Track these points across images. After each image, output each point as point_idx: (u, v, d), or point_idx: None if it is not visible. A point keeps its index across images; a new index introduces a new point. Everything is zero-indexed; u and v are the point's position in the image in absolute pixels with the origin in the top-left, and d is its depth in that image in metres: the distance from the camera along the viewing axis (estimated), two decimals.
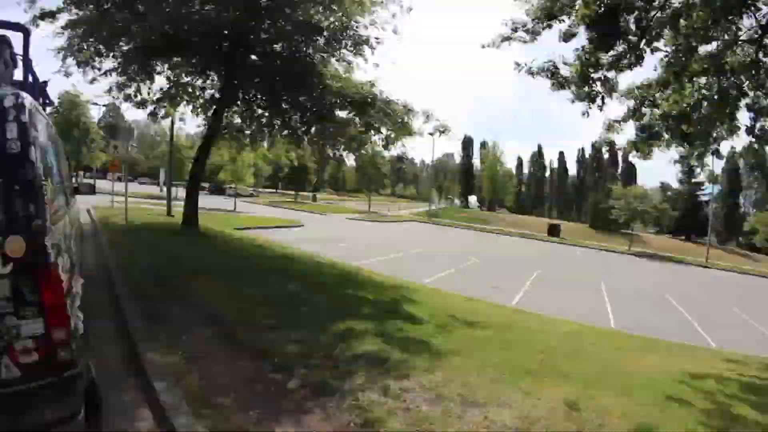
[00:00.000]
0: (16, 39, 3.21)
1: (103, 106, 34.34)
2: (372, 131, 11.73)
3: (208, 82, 12.55)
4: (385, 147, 12.46)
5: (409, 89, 32.14)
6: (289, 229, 20.99)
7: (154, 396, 2.86)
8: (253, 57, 11.45)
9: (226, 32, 10.32)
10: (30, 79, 3.75)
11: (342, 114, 11.69)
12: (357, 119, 11.63)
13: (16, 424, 1.91)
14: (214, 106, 12.25)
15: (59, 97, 43.66)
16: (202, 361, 3.33)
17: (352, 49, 11.42)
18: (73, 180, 5.48)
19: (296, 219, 26.00)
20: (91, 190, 5.65)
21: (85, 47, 10.28)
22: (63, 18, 10.03)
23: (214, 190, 45.85)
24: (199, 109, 13.06)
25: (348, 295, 6.21)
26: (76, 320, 2.19)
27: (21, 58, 3.51)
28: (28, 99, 2.08)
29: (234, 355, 3.52)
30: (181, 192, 16.64)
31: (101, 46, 10.28)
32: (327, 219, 31.83)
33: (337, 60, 11.87)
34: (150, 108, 12.02)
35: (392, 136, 11.78)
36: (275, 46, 11.16)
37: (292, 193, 56.31)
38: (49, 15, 9.77)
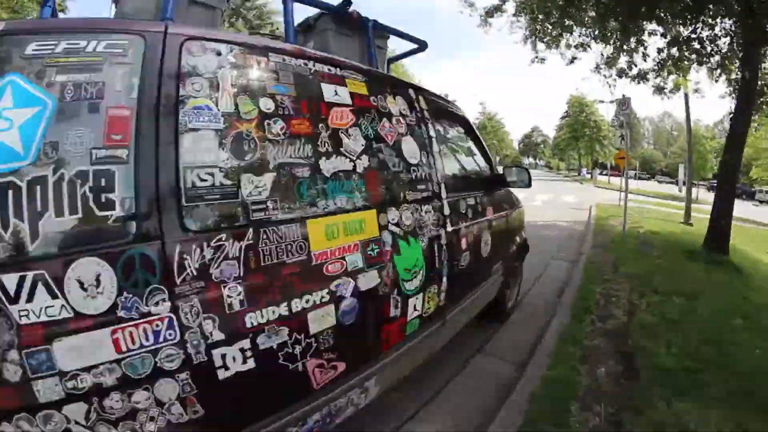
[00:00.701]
0: None
1: (610, 102, 34.26)
2: None
3: (719, 29, 7.99)
4: None
5: None
6: None
7: None
8: None
9: None
10: None
11: None
12: None
13: None
14: (737, 58, 7.62)
15: (567, 102, 48.23)
16: None
17: None
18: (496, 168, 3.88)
19: None
20: (524, 180, 3.79)
21: (549, 27, 8.99)
22: (510, 6, 9.31)
23: (742, 193, 34.59)
24: (718, 70, 8.56)
25: None
26: None
27: None
28: None
29: None
30: (702, 193, 12.46)
31: (566, 21, 8.68)
32: None
33: None
34: (652, 81, 9.10)
35: None
36: None
37: None
38: (495, 10, 9.29)
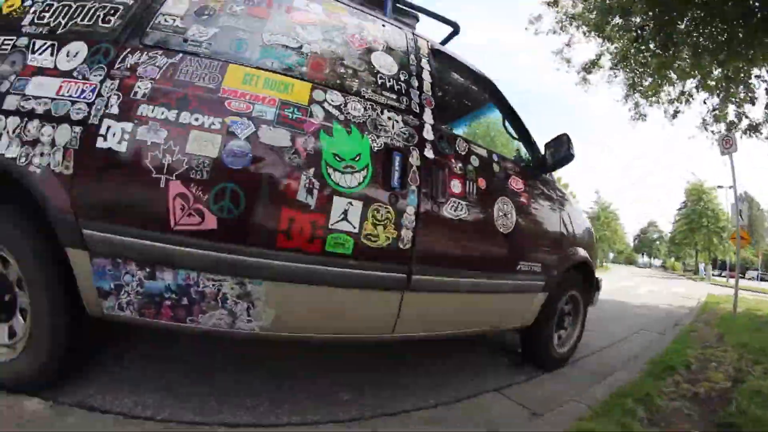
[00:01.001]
0: None
1: (729, 188, 30.37)
2: None
3: None
4: None
5: None
6: None
7: None
8: None
9: None
10: None
11: None
12: None
13: None
14: None
15: (686, 191, 44.02)
16: None
17: None
18: None
19: None
20: (563, 150, 2.68)
21: (649, 79, 8.29)
22: (606, 61, 8.87)
23: None
24: None
25: None
26: None
27: None
28: None
29: None
30: None
31: (663, 70, 7.88)
32: None
33: None
34: (767, 133, 7.73)
35: None
36: None
37: None
38: (592, 65, 8.96)
